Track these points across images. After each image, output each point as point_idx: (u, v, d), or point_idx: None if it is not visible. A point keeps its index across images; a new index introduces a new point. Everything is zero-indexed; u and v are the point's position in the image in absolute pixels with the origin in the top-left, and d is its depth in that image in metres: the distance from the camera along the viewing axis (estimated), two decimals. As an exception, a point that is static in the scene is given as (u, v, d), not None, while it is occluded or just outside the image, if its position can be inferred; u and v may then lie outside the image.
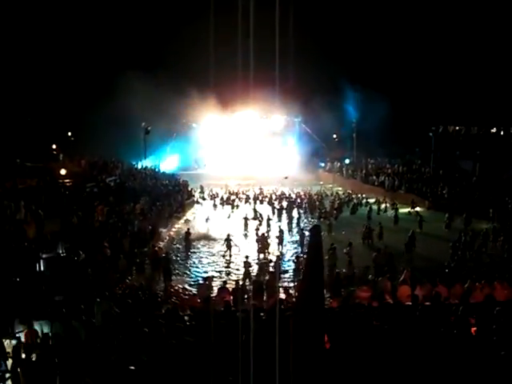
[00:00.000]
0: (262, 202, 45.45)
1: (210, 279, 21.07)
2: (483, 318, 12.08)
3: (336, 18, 63.70)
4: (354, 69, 64.44)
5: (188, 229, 32.52)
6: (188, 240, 30.55)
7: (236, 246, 28.73)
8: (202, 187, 52.07)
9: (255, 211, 38.59)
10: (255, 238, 30.51)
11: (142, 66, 59.45)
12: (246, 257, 24.01)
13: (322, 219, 37.29)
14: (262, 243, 28.56)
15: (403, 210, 40.24)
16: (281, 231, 30.35)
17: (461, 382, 9.89)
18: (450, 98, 62.68)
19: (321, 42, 63.11)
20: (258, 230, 32.33)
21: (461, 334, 11.16)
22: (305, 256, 27.72)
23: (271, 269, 23.69)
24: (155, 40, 60.59)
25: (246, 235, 33.42)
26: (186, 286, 21.92)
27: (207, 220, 37.31)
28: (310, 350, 9.95)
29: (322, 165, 67.54)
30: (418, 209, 40.44)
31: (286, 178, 56.63)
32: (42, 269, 20.51)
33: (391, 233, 31.60)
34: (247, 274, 22.66)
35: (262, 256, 27.84)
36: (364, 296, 15.82)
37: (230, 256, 27.98)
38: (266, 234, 30.15)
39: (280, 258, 27.50)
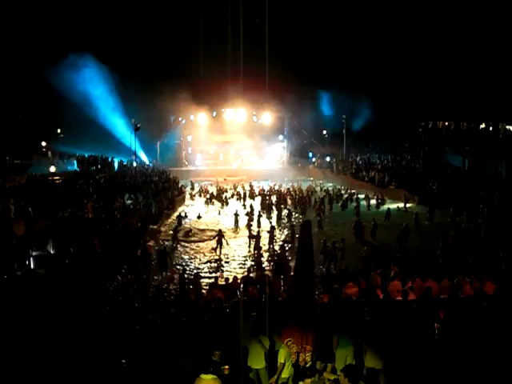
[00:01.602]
0: (252, 197, 45.44)
1: (199, 275, 21.11)
2: (473, 312, 12.17)
3: (323, 15, 63.83)
4: (343, 64, 64.58)
5: (177, 225, 32.62)
6: (176, 236, 30.71)
7: (227, 242, 28.76)
8: (192, 183, 52.02)
9: (250, 207, 38.64)
10: (247, 233, 30.59)
11: (132, 63, 59.48)
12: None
13: (315, 215, 37.37)
14: (256, 240, 28.62)
15: (393, 206, 40.39)
16: (272, 227, 30.39)
17: (453, 375, 9.97)
18: (440, 93, 62.90)
19: (309, 38, 63.37)
20: (249, 225, 32.39)
21: (451, 329, 11.24)
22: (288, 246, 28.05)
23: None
24: (147, 39, 60.50)
25: (236, 231, 33.44)
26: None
27: (199, 217, 37.33)
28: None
29: (313, 160, 67.60)
30: (408, 205, 40.60)
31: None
32: (32, 266, 20.46)
33: (382, 228, 31.68)
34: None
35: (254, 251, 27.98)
36: (351, 292, 15.84)
37: (221, 252, 28.01)
38: (259, 231, 30.25)
39: (271, 253, 27.57)
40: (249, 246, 28.97)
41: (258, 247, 28.00)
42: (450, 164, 54.33)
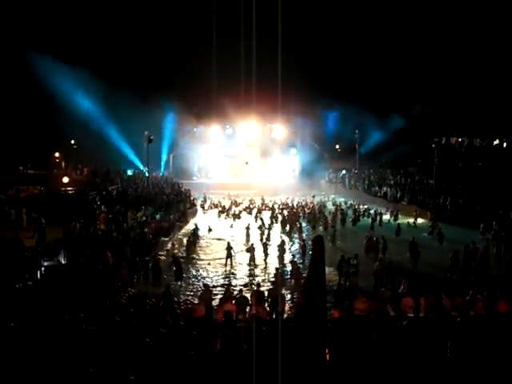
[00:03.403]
0: (263, 211, 45.36)
1: (209, 288, 21.03)
2: (486, 330, 12.02)
3: (339, 29, 63.86)
4: (357, 79, 64.54)
5: (190, 237, 32.59)
6: (190, 248, 30.80)
7: (234, 255, 28.72)
8: (205, 196, 52.08)
9: (261, 220, 38.64)
10: (246, 247, 30.55)
11: (145, 75, 59.82)
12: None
13: (324, 229, 37.27)
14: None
15: (404, 221, 40.28)
16: (282, 241, 30.30)
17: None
18: (453, 109, 62.73)
19: (325, 53, 63.45)
20: (261, 239, 32.39)
21: (461, 346, 11.11)
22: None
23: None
24: (159, 52, 60.87)
25: (248, 244, 33.37)
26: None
27: (210, 230, 37.31)
28: (310, 361, 9.92)
29: (325, 175, 67.50)
30: (419, 220, 40.53)
31: (247, 163, 57.69)
32: (42, 277, 20.51)
33: (393, 244, 31.48)
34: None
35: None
36: (362, 307, 15.72)
37: (231, 265, 27.97)
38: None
39: (282, 268, 27.42)
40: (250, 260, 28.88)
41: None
42: (464, 180, 53.99)
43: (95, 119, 56.57)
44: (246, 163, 61.80)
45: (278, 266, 26.27)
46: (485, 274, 23.80)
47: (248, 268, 27.81)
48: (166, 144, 65.45)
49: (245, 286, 23.80)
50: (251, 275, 26.49)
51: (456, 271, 24.85)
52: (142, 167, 59.80)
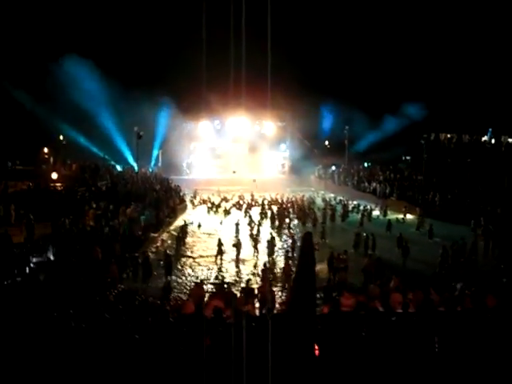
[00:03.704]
0: (253, 207, 45.30)
1: (200, 284, 20.99)
2: (474, 325, 12.09)
3: (329, 24, 63.90)
4: (346, 76, 64.66)
5: (179, 233, 32.55)
6: (179, 245, 30.79)
7: (225, 251, 28.74)
8: (194, 192, 51.97)
9: (250, 216, 38.71)
10: (233, 242, 30.55)
11: (134, 70, 59.61)
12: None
13: (313, 225, 37.28)
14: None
15: (393, 217, 40.44)
16: (272, 238, 30.30)
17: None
18: (442, 105, 62.98)
19: (314, 48, 63.44)
20: (250, 235, 32.39)
21: (450, 341, 11.17)
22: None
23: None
24: (149, 46, 60.65)
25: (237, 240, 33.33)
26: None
27: (199, 226, 37.27)
28: (300, 356, 9.93)
29: (314, 171, 67.50)
30: (408, 216, 40.76)
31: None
32: (31, 273, 20.40)
33: (383, 239, 31.58)
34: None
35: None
36: (348, 303, 15.73)
37: (221, 261, 27.98)
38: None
39: (271, 264, 27.42)
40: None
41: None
42: (452, 176, 54.18)
43: (84, 114, 56.23)
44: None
45: (266, 262, 26.28)
46: (473, 270, 23.93)
47: (237, 264, 27.82)
48: (156, 140, 65.24)
49: (234, 282, 23.83)
50: (241, 271, 26.49)
51: (445, 267, 25.00)
52: (131, 163, 59.55)
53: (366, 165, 66.79)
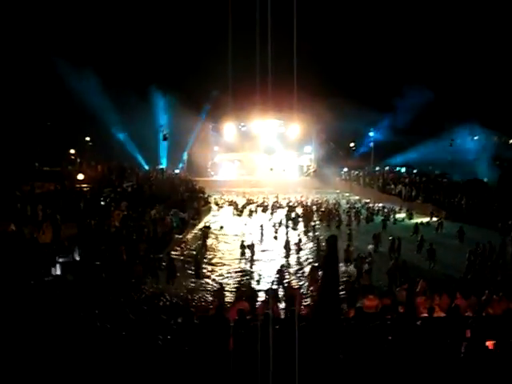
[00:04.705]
0: (277, 209, 45.27)
1: (223, 287, 21.05)
2: (501, 332, 11.88)
3: (356, 27, 63.52)
4: (371, 76, 64.16)
5: (204, 235, 32.67)
6: (204, 246, 30.86)
7: (249, 253, 28.74)
8: (220, 194, 52.09)
9: (275, 218, 38.80)
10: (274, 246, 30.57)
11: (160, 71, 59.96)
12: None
13: (338, 228, 37.15)
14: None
15: (419, 220, 40.03)
16: (299, 240, 30.30)
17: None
18: (472, 105, 62.05)
19: (341, 50, 63.12)
20: (275, 238, 32.43)
21: (476, 348, 10.98)
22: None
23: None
24: (174, 50, 60.88)
25: (261, 242, 33.28)
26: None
27: (221, 228, 37.36)
28: (324, 359, 9.87)
29: (339, 173, 67.24)
30: (434, 219, 40.29)
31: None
32: (57, 273, 20.61)
33: (410, 243, 31.26)
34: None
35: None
36: (370, 305, 15.61)
37: (246, 263, 27.96)
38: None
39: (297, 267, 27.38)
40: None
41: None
42: (480, 179, 53.46)
43: (110, 117, 56.78)
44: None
45: (293, 264, 26.25)
46: (501, 274, 23.54)
47: (261, 266, 27.75)
48: (184, 142, 65.55)
49: (257, 284, 23.78)
50: (264, 273, 26.40)
51: (471, 271, 24.66)
52: (156, 164, 59.95)
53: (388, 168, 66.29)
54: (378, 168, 65.08)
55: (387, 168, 64.97)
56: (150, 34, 58.95)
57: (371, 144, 65.41)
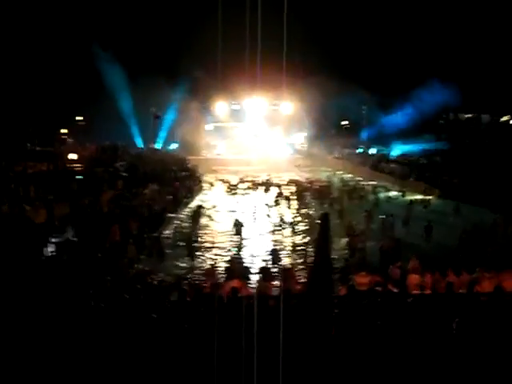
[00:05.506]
0: (270, 187, 45.26)
1: (215, 265, 21.13)
2: (492, 309, 12.01)
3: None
4: (367, 55, 63.80)
5: (197, 214, 32.66)
6: (197, 225, 30.84)
7: (242, 231, 28.77)
8: (214, 172, 52.01)
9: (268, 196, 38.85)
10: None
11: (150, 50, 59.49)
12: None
13: (330, 206, 37.19)
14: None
15: (412, 198, 40.07)
16: (292, 218, 30.37)
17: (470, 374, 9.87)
18: (462, 84, 61.95)
19: (335, 26, 62.61)
20: (268, 216, 32.47)
21: (469, 325, 11.10)
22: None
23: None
24: (164, 28, 60.28)
25: (254, 221, 33.32)
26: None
27: (214, 206, 37.34)
28: (316, 335, 9.96)
29: (332, 152, 67.14)
30: (426, 197, 40.37)
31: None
32: (49, 253, 20.62)
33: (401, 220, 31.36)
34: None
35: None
36: (362, 281, 15.72)
37: (238, 241, 28.00)
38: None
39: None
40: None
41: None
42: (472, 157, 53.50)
43: (103, 95, 56.41)
44: (256, 136, 62.35)
45: (286, 242, 26.33)
46: (493, 252, 23.69)
47: (254, 244, 27.81)
48: (173, 120, 65.26)
49: (250, 262, 23.86)
50: (258, 252, 26.45)
51: (464, 249, 24.80)
52: (149, 143, 59.78)
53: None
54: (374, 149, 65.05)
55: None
56: (132, 11, 58.40)
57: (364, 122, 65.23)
